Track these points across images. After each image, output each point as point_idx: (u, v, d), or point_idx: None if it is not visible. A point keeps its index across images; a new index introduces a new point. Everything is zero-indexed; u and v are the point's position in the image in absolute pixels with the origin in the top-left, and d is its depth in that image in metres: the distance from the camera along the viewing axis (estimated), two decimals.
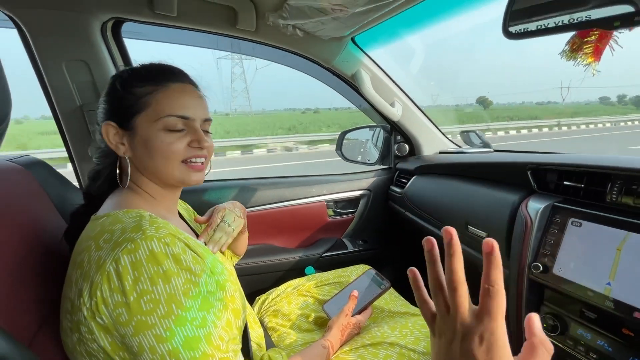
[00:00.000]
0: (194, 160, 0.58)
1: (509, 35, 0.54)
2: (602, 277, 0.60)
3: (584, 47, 0.49)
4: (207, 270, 0.50)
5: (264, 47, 1.07)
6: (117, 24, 0.95)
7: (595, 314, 0.60)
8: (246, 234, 0.85)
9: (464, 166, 1.10)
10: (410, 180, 1.30)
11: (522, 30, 0.51)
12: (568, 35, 0.53)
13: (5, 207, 0.52)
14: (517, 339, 0.74)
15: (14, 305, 0.46)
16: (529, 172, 0.81)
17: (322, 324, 0.90)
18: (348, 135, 1.61)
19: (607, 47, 0.50)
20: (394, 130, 1.43)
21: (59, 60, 0.87)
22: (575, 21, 0.45)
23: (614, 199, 0.65)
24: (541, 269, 0.67)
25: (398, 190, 1.37)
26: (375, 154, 1.67)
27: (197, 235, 0.70)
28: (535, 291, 0.72)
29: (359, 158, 1.63)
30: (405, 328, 0.80)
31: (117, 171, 0.58)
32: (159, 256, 0.44)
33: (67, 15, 0.84)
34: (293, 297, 0.99)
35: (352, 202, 1.43)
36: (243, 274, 1.19)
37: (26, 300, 0.49)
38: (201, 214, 0.83)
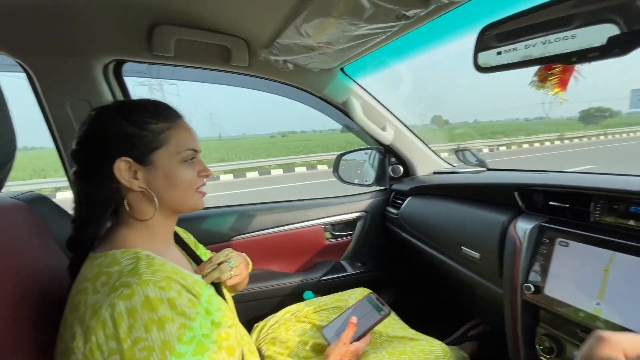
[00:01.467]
0: (202, 188, 0.63)
1: (479, 69, 0.57)
2: (592, 297, 0.60)
3: (549, 78, 0.52)
4: (202, 312, 0.51)
5: (257, 79, 1.13)
6: (119, 64, 1.01)
7: (588, 334, 0.60)
8: (247, 280, 0.82)
9: (456, 187, 1.12)
10: (406, 201, 1.32)
11: (490, 65, 0.55)
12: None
13: (7, 246, 0.54)
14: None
15: (13, 342, 0.47)
16: (516, 193, 0.83)
17: (320, 350, 0.89)
18: (345, 157, 1.65)
19: (572, 76, 0.54)
20: (388, 152, 1.46)
21: (64, 100, 0.92)
22: (534, 57, 0.49)
23: (597, 219, 0.66)
24: (533, 289, 0.68)
25: (394, 211, 1.38)
26: (372, 175, 1.69)
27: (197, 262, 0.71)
28: (531, 312, 0.72)
29: (356, 180, 1.65)
30: (403, 354, 0.80)
31: (127, 207, 0.57)
32: (154, 302, 0.45)
33: (72, 60, 0.90)
34: (291, 324, 0.98)
35: (349, 224, 1.44)
36: (241, 300, 1.19)
37: (25, 337, 0.50)
38: (200, 240, 0.84)
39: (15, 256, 0.55)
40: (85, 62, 0.91)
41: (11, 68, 0.97)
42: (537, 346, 0.69)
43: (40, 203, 0.71)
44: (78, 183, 0.58)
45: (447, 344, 0.88)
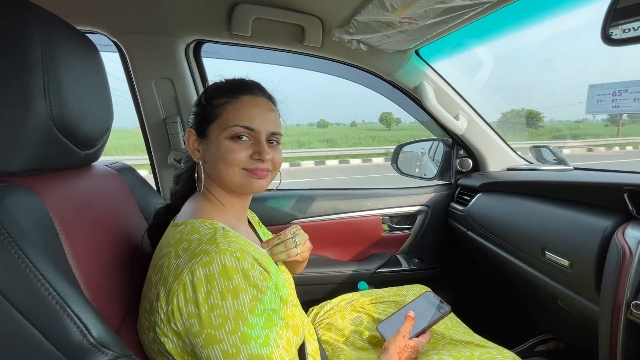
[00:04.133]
0: (257, 170, 0.59)
1: (609, 41, 0.48)
2: None
3: None
4: (272, 287, 0.51)
5: (327, 61, 1.11)
6: (198, 45, 1.06)
7: None
8: (305, 264, 0.83)
9: (540, 185, 1.00)
10: (475, 198, 1.22)
11: (629, 35, 0.46)
12: None
13: (105, 206, 0.60)
14: None
15: (107, 296, 0.51)
16: (625, 195, 0.71)
17: (377, 343, 0.86)
18: (404, 149, 1.58)
19: None
20: (456, 144, 1.36)
21: (150, 78, 1.00)
22: None
23: None
24: None
25: (460, 207, 1.28)
26: (433, 169, 1.60)
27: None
28: (635, 335, 0.61)
29: (416, 172, 1.58)
30: (470, 359, 0.74)
31: (195, 176, 0.62)
32: (230, 271, 0.46)
33: (160, 39, 0.96)
34: (347, 312, 0.97)
35: (409, 218, 1.37)
36: (297, 283, 1.21)
37: (116, 293, 0.54)
38: (263, 221, 0.86)
39: (112, 216, 0.60)
40: (171, 41, 0.97)
41: (105, 48, 1.07)
42: None
43: (127, 172, 0.77)
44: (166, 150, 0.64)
45: None
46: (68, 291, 0.38)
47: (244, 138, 0.57)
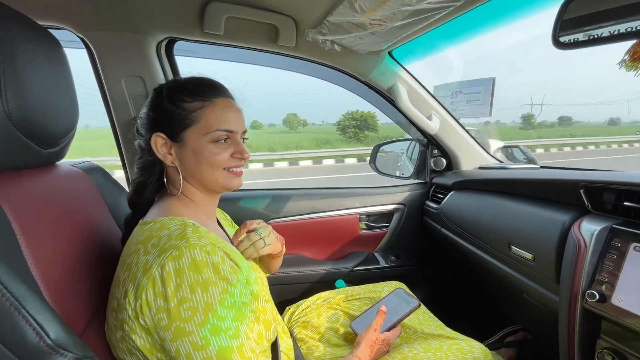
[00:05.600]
0: (235, 168, 0.62)
1: (559, 45, 0.51)
2: None
3: None
4: (242, 281, 0.51)
5: (303, 62, 1.11)
6: (170, 43, 1.04)
7: None
8: (280, 259, 0.83)
9: (507, 182, 1.04)
10: (448, 196, 1.25)
11: (573, 40, 0.49)
12: (624, 45, 0.50)
13: (68, 206, 0.58)
14: None
15: (70, 297, 0.50)
16: (581, 191, 0.75)
17: (351, 339, 0.88)
18: (382, 148, 1.60)
19: None
20: (431, 144, 1.39)
21: (120, 76, 0.97)
22: (634, 29, 0.42)
23: None
24: (597, 297, 0.61)
25: (434, 205, 1.32)
26: (410, 168, 1.63)
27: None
28: (591, 322, 0.65)
29: (393, 171, 1.60)
30: (439, 351, 0.76)
31: (165, 180, 0.62)
32: (200, 264, 0.47)
33: (129, 36, 0.94)
34: (323, 310, 0.98)
35: (385, 216, 1.40)
36: (273, 283, 1.20)
37: (80, 294, 0.53)
38: (237, 221, 0.86)
39: (75, 216, 0.58)
40: (141, 38, 0.94)
41: (72, 45, 1.03)
42: None
43: (95, 172, 0.75)
44: (136, 151, 0.63)
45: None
46: (24, 292, 0.37)
47: (224, 140, 0.60)
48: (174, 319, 0.44)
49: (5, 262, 0.37)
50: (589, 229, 0.68)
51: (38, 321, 0.37)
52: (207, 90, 0.60)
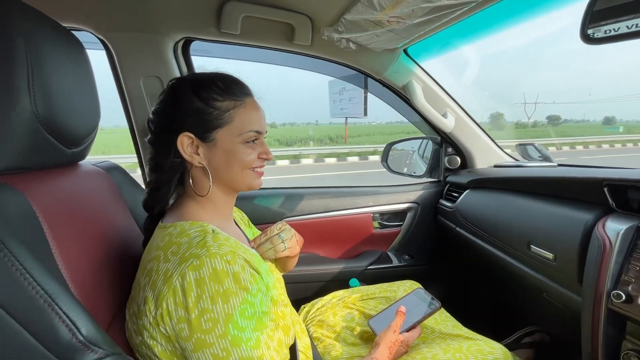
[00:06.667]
0: (260, 168, 0.62)
1: (587, 40, 0.50)
2: None
3: None
4: (262, 289, 0.51)
5: (317, 60, 1.11)
6: (187, 43, 1.05)
7: None
8: (296, 259, 0.83)
9: (525, 181, 1.02)
10: (463, 195, 1.24)
11: (604, 34, 0.47)
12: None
13: (92, 205, 0.59)
14: None
15: (95, 295, 0.50)
16: (605, 189, 0.73)
17: (368, 338, 0.87)
18: (394, 147, 1.59)
19: None
20: (445, 142, 1.38)
21: (138, 76, 0.98)
22: None
23: None
24: (624, 298, 0.60)
25: (448, 204, 1.31)
26: (422, 166, 1.62)
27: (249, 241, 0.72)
28: (616, 323, 0.64)
29: (405, 170, 1.59)
30: (459, 352, 0.75)
31: (190, 181, 0.59)
32: (221, 274, 0.46)
33: (148, 37, 0.95)
34: (338, 309, 0.98)
35: (399, 215, 1.39)
36: (286, 282, 1.20)
37: (104, 292, 0.53)
38: (252, 219, 0.86)
39: (99, 215, 0.59)
40: (159, 39, 0.96)
41: (89, 46, 1.05)
42: None
43: (115, 171, 0.77)
44: (151, 151, 0.60)
45: None
46: (56, 289, 0.38)
47: (253, 141, 0.60)
48: (195, 330, 0.44)
49: (37, 260, 0.38)
50: (615, 228, 0.66)
51: (71, 317, 0.38)
52: (237, 89, 0.59)
